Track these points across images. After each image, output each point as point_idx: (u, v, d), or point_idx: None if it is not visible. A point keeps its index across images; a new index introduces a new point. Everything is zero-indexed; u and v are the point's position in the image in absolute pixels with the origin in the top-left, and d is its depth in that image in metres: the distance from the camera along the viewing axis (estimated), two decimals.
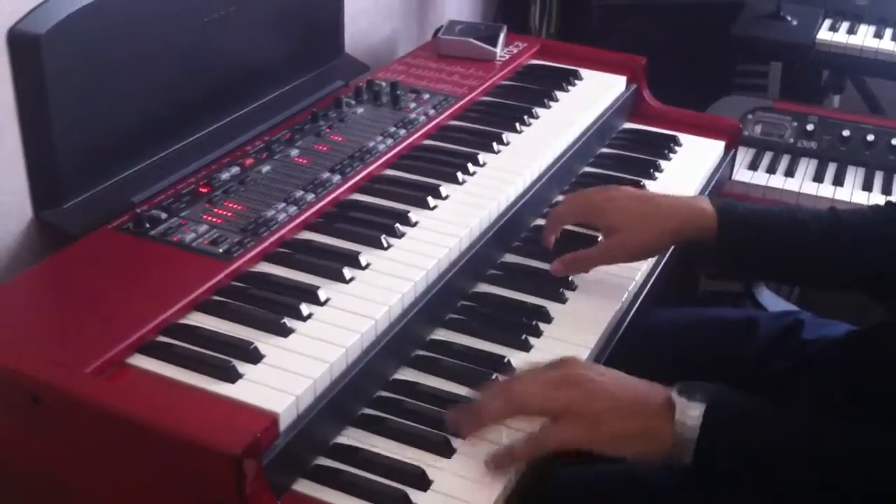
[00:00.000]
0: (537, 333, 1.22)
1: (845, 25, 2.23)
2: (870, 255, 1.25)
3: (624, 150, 1.70)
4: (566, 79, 1.75)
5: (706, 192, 1.63)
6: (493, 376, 1.14)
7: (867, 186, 1.99)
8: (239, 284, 1.15)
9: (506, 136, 1.53)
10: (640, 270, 1.37)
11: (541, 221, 1.47)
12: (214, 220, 1.23)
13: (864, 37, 2.19)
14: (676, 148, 1.71)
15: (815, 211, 1.29)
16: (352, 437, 1.06)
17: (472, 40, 1.77)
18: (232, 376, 1.00)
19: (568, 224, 1.37)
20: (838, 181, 2.01)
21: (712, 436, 1.01)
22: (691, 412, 1.01)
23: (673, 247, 1.38)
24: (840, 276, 1.29)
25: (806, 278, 1.38)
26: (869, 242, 1.26)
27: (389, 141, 1.45)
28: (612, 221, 1.28)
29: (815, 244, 1.25)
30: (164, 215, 1.23)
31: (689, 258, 1.46)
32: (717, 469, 1.04)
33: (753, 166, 2.05)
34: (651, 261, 1.40)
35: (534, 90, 1.70)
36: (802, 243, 1.26)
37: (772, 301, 2.10)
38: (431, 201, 1.33)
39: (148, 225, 1.21)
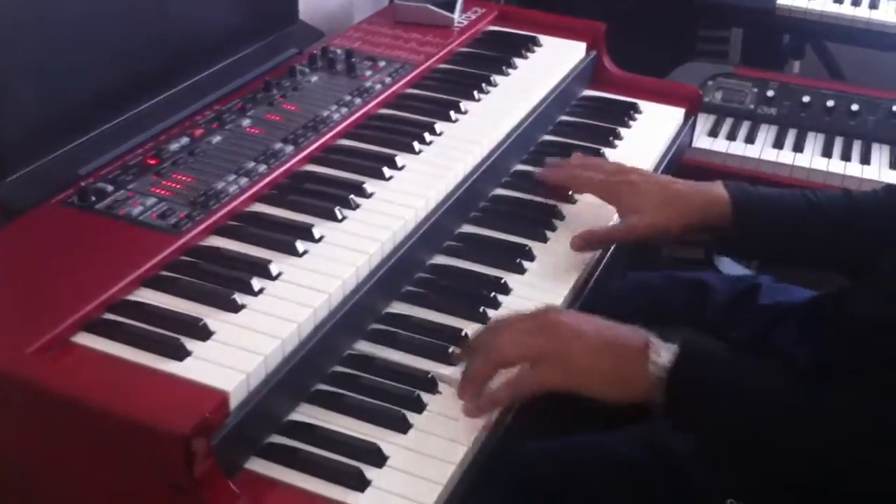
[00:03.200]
0: (496, 305, 1.21)
1: None
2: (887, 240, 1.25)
3: (584, 118, 1.68)
4: (525, 46, 1.72)
5: (665, 159, 1.62)
6: (451, 349, 1.12)
7: (827, 153, 1.99)
8: (188, 259, 1.12)
9: (463, 104, 1.50)
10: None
11: (500, 191, 1.45)
12: (163, 192, 1.20)
13: (824, 1, 2.18)
14: (636, 115, 1.69)
15: (829, 194, 1.31)
16: (306, 413, 1.05)
17: (429, 6, 1.73)
18: (180, 354, 0.98)
19: (580, 193, 1.40)
20: (798, 147, 2.00)
21: (684, 372, 1.02)
22: (665, 351, 1.03)
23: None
24: (853, 260, 1.29)
25: (821, 263, 1.38)
26: (886, 227, 1.26)
27: (344, 110, 1.42)
28: (632, 205, 1.31)
29: (830, 229, 1.28)
30: (110, 188, 1.20)
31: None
32: (688, 409, 1.04)
33: (714, 133, 2.04)
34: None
35: (492, 57, 1.67)
36: (818, 228, 1.29)
37: (731, 267, 2.11)
38: (387, 172, 1.31)
39: (94, 198, 1.17)
